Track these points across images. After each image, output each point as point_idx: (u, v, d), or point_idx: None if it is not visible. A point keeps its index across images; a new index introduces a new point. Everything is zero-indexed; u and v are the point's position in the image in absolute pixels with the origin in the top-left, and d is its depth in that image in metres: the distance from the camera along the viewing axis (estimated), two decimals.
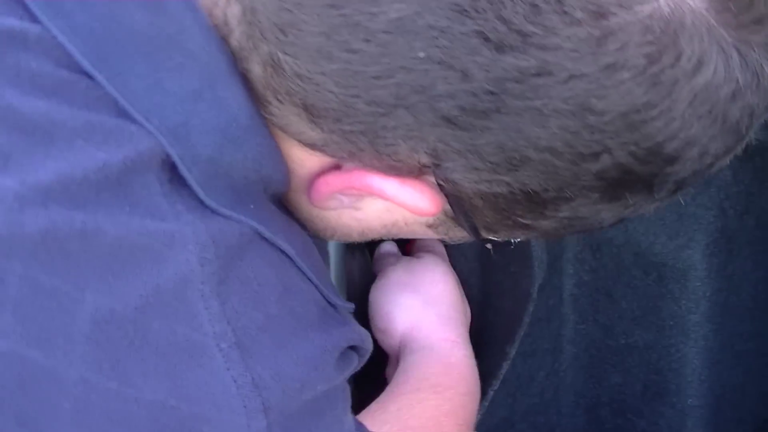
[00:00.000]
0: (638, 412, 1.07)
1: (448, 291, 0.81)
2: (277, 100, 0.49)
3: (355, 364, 0.58)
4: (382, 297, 0.80)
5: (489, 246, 0.81)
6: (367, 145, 0.48)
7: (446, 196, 0.50)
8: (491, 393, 0.80)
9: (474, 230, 0.53)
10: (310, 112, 0.48)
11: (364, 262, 0.86)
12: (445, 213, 0.53)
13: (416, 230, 0.57)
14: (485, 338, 0.84)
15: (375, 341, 0.79)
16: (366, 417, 0.67)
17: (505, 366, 0.80)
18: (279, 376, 0.49)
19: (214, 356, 0.47)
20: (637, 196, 0.50)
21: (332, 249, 0.85)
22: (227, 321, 0.47)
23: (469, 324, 0.82)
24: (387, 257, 0.86)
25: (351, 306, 0.58)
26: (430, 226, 0.56)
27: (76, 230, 0.45)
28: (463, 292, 0.84)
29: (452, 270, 0.84)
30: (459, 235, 0.57)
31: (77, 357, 0.45)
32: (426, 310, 0.79)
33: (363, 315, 0.81)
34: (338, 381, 0.54)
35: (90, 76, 0.47)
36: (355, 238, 0.59)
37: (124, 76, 0.47)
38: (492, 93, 0.44)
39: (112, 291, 0.45)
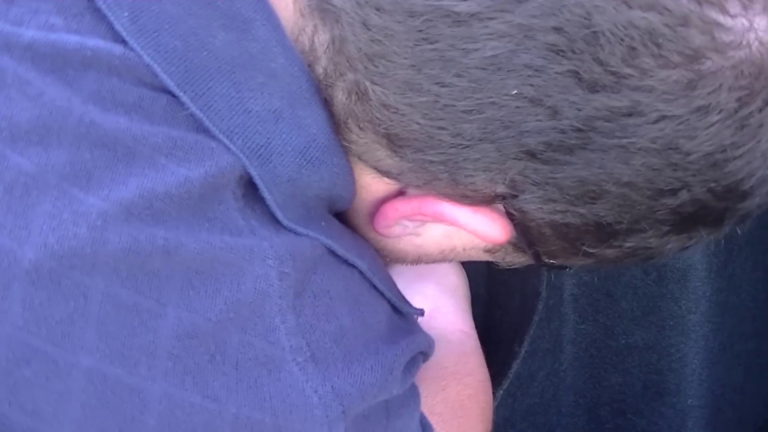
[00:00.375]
0: (638, 412, 1.07)
1: (461, 283, 0.82)
2: (359, 127, 0.49)
3: (420, 364, 0.59)
4: (401, 284, 0.80)
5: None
6: (445, 175, 0.49)
7: (516, 224, 0.51)
8: (500, 392, 0.79)
9: (536, 257, 0.54)
10: (392, 141, 0.49)
11: None
12: (508, 240, 0.53)
13: (473, 255, 0.58)
14: (493, 337, 0.84)
15: None
16: None
17: (515, 365, 0.80)
18: (357, 383, 0.49)
19: (291, 370, 0.47)
20: (706, 229, 0.51)
21: None
22: (302, 335, 0.48)
23: None
24: None
25: (421, 310, 0.60)
26: (488, 251, 0.57)
27: (158, 247, 0.45)
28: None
29: (460, 264, 0.84)
30: (517, 260, 0.58)
31: (160, 372, 0.45)
32: (442, 299, 0.79)
33: None
34: (408, 384, 0.55)
35: (170, 93, 0.47)
36: (409, 262, 0.60)
37: (207, 96, 0.47)
38: (580, 130, 0.45)
39: (193, 306, 0.46)
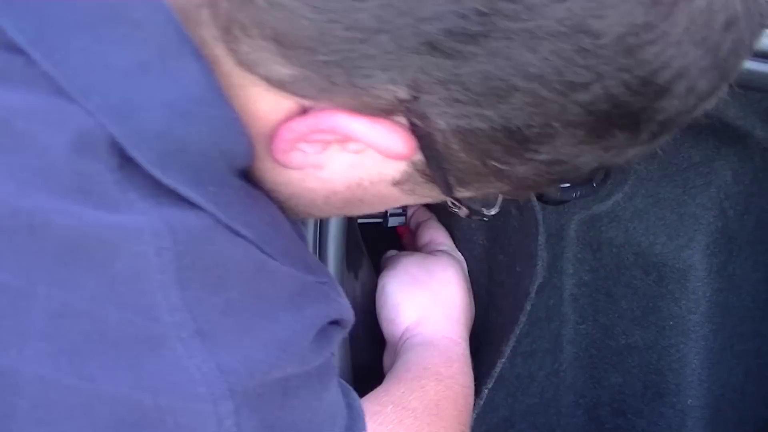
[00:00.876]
0: (638, 412, 1.07)
1: (458, 292, 0.81)
2: (246, 35, 0.46)
3: (338, 338, 0.56)
4: (394, 287, 0.80)
5: (486, 216, 0.72)
6: (342, 77, 0.45)
7: (419, 137, 0.48)
8: (485, 391, 0.80)
9: (444, 182, 0.51)
10: (282, 43, 0.45)
11: (370, 279, 0.85)
12: (414, 165, 0.50)
13: (381, 191, 0.54)
14: (488, 338, 0.84)
15: (374, 329, 0.81)
16: (370, 398, 0.68)
17: (500, 364, 0.80)
18: (245, 360, 0.47)
19: (174, 347, 0.45)
20: (622, 135, 0.48)
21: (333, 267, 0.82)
22: (188, 309, 0.45)
23: (471, 326, 0.83)
24: (401, 254, 0.86)
25: (328, 280, 0.56)
26: (396, 183, 0.53)
27: (23, 222, 0.43)
28: (471, 295, 0.84)
29: (464, 271, 0.85)
30: (427, 193, 0.54)
31: (32, 354, 0.43)
32: (434, 307, 0.79)
33: (368, 324, 0.81)
34: (317, 362, 0.52)
35: (27, 54, 0.44)
36: (320, 205, 0.56)
37: (62, 52, 0.44)
38: (483, 14, 0.42)
39: (65, 283, 0.44)
